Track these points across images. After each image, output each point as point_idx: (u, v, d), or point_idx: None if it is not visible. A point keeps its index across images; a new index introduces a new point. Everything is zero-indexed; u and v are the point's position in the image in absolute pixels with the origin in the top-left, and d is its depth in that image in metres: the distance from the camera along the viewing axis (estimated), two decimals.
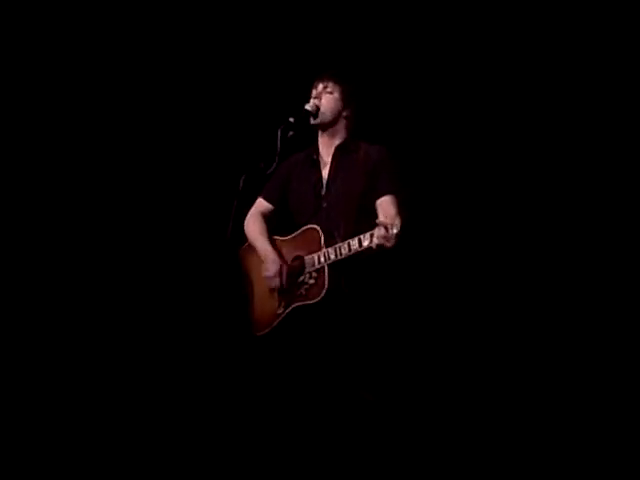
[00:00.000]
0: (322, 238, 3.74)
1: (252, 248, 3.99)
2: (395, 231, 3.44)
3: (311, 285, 3.75)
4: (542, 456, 4.18)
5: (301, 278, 3.78)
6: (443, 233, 4.44)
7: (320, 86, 3.90)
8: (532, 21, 4.46)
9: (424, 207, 3.68)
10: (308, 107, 3.87)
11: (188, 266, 4.76)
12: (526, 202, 4.45)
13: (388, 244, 3.48)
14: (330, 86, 3.88)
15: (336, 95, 3.89)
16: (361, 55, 4.60)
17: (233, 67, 4.86)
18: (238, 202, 3.72)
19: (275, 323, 3.83)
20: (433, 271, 4.56)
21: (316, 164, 3.94)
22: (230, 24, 4.84)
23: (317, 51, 4.61)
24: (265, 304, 3.87)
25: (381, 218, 3.60)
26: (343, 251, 3.65)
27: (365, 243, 3.57)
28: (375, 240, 3.51)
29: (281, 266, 3.81)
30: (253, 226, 4.00)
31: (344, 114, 3.90)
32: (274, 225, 4.01)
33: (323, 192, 3.88)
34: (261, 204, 4.04)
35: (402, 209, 3.72)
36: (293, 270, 3.80)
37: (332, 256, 3.69)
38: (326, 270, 3.71)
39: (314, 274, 3.75)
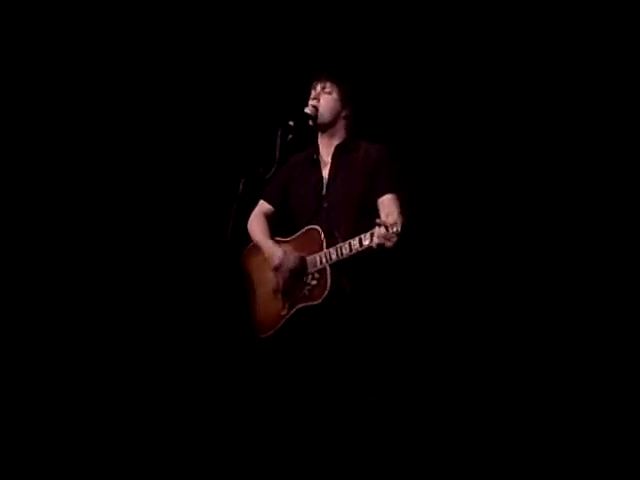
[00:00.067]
0: (323, 238, 3.75)
1: (255, 250, 4.00)
2: (395, 230, 3.44)
3: (314, 286, 3.75)
4: (543, 463, 4.16)
5: (304, 279, 3.79)
6: (444, 233, 4.43)
7: (318, 87, 3.90)
8: (532, 20, 4.44)
9: (424, 206, 3.67)
10: (307, 110, 3.87)
11: (189, 269, 4.78)
12: (527, 201, 4.44)
13: (389, 243, 3.48)
14: (328, 86, 3.89)
15: (334, 95, 3.89)
16: (359, 54, 4.60)
17: (232, 71, 4.88)
18: (238, 205, 3.72)
19: (279, 325, 3.83)
20: (435, 271, 4.56)
21: (316, 164, 3.95)
22: (229, 28, 4.86)
23: (315, 53, 4.60)
24: (269, 306, 3.88)
25: (383, 217, 3.60)
26: (344, 251, 3.66)
27: (366, 242, 3.57)
28: (375, 239, 3.51)
29: (285, 253, 3.82)
30: (256, 226, 4.02)
31: (343, 114, 3.91)
32: (276, 226, 4.02)
33: (323, 192, 3.89)
34: (263, 206, 4.06)
35: (404, 207, 3.71)
36: (296, 270, 3.80)
37: (333, 256, 3.70)
38: (328, 271, 3.71)
39: (316, 275, 3.75)
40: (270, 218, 4.04)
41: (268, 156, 3.75)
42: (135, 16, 4.86)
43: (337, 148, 3.92)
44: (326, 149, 3.95)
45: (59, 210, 4.88)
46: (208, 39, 4.87)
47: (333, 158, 3.92)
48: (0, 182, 4.83)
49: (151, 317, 4.81)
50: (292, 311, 3.80)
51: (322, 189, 3.90)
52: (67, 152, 4.90)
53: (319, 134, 3.95)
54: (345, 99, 3.90)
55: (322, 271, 3.74)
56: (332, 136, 3.93)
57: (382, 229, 3.47)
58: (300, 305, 3.78)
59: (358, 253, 3.62)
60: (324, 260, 3.73)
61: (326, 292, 3.71)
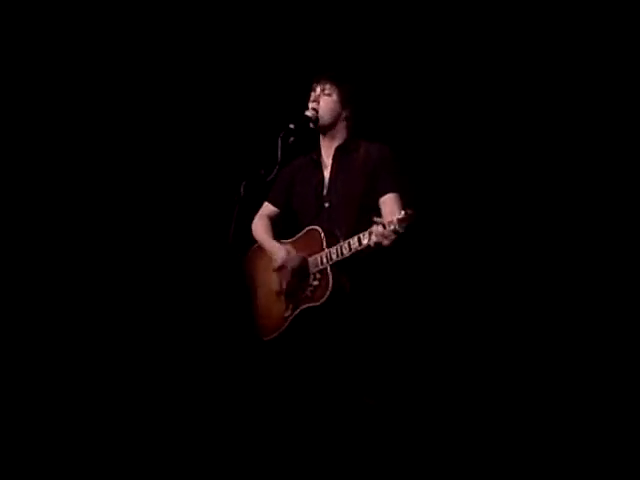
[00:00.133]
0: (323, 238, 3.77)
1: (259, 252, 4.03)
2: (392, 228, 3.44)
3: (316, 287, 3.76)
4: (543, 463, 4.11)
5: (306, 280, 3.80)
6: (445, 231, 4.41)
7: (318, 89, 3.92)
8: (532, 20, 4.43)
9: (426, 205, 3.67)
10: (308, 113, 3.89)
11: (191, 272, 4.80)
12: (528, 200, 4.41)
13: (386, 241, 3.48)
14: (328, 88, 3.91)
15: (334, 97, 3.91)
16: (359, 55, 4.61)
17: (234, 74, 4.90)
18: (239, 208, 3.75)
19: (283, 327, 3.84)
20: (436, 271, 4.54)
21: (318, 166, 3.97)
22: (230, 32, 4.88)
23: (316, 55, 4.62)
24: (272, 308, 3.90)
25: (385, 216, 3.61)
26: (344, 251, 3.66)
27: (364, 241, 3.57)
28: (373, 238, 3.51)
29: (288, 253, 3.83)
30: (260, 227, 4.05)
31: (343, 115, 3.92)
32: (280, 229, 4.05)
33: (325, 193, 3.91)
34: (267, 208, 4.09)
35: (405, 207, 3.70)
36: (298, 271, 3.81)
37: (334, 256, 3.70)
38: (329, 271, 3.72)
39: (318, 275, 3.76)
40: (274, 220, 4.07)
41: (269, 159, 3.78)
42: (136, 18, 4.89)
43: (337, 149, 3.94)
44: (327, 150, 3.97)
45: (62, 214, 4.91)
46: (209, 42, 4.89)
47: (334, 159, 3.94)
48: (0, 182, 4.87)
49: (154, 320, 4.83)
50: (295, 312, 3.81)
51: (323, 190, 3.92)
52: (69, 156, 4.93)
53: (320, 136, 3.97)
54: (345, 100, 3.92)
55: (323, 271, 3.74)
56: (333, 137, 3.95)
57: (380, 227, 3.47)
58: (303, 306, 3.79)
59: (358, 252, 3.62)
60: (325, 260, 3.74)
61: (328, 292, 3.71)
